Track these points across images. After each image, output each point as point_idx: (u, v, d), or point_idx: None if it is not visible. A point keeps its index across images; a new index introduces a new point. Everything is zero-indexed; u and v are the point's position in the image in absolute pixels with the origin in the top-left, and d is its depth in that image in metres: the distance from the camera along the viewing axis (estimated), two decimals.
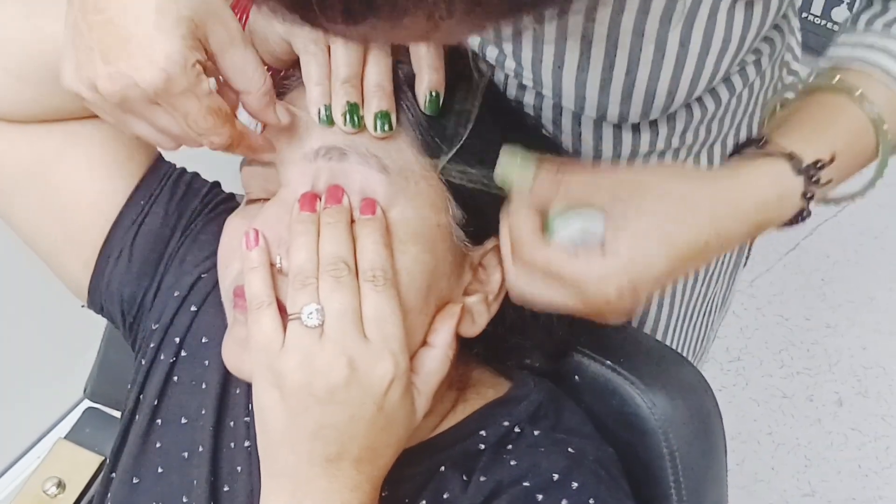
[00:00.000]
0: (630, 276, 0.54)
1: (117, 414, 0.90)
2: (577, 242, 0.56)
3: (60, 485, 0.96)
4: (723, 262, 0.90)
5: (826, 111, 0.61)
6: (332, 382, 0.52)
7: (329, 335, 0.53)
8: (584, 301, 0.56)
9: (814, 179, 0.57)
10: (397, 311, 0.55)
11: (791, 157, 0.57)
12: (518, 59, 0.66)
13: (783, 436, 1.75)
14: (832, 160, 0.58)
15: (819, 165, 0.57)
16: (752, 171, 0.58)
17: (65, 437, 1.00)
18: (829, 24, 2.20)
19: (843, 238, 2.05)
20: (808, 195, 0.57)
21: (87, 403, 1.03)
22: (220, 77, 0.57)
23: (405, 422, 0.57)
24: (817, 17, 2.24)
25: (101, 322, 0.97)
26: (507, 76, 0.71)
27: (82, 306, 0.77)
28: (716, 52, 0.63)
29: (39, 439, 1.38)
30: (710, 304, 0.94)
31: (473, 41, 0.67)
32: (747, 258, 1.09)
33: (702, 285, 0.89)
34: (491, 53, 0.67)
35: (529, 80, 0.68)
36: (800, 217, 0.59)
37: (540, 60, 0.65)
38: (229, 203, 0.76)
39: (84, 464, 0.98)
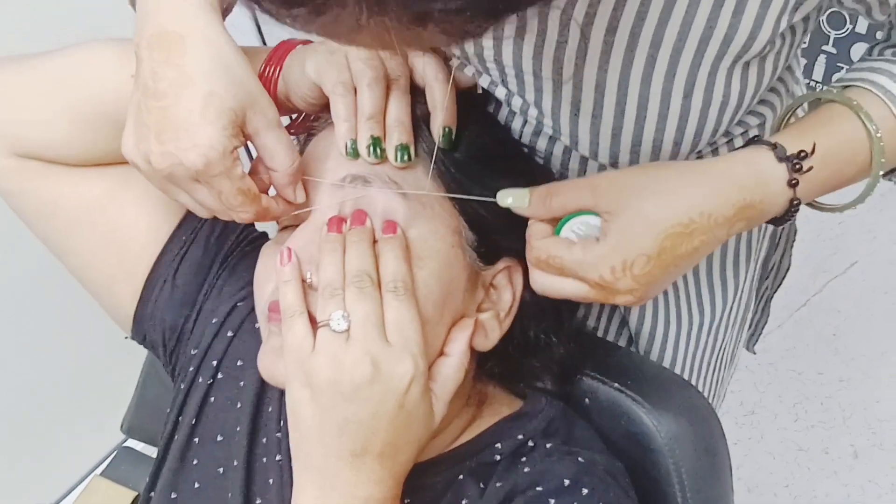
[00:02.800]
0: (620, 256, 0.60)
1: (151, 452, 0.95)
2: (577, 237, 0.64)
3: None
4: (729, 315, 0.94)
5: (820, 116, 0.66)
6: (357, 380, 0.57)
7: (355, 338, 0.58)
8: (588, 286, 0.63)
9: (796, 167, 0.62)
10: (417, 319, 0.61)
11: (774, 147, 0.62)
12: (539, 107, 0.72)
13: (800, 488, 1.76)
14: (813, 151, 0.62)
15: (801, 155, 0.62)
16: (734, 156, 0.64)
17: (101, 474, 1.05)
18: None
19: (854, 294, 2.09)
20: (793, 182, 0.62)
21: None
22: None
23: (424, 421, 0.61)
24: (818, 82, 2.32)
25: (139, 366, 1.03)
26: (525, 122, 0.78)
27: (126, 338, 0.83)
28: (717, 107, 0.68)
29: (83, 478, 1.43)
30: (719, 358, 0.98)
31: (500, 93, 0.74)
32: (768, 315, 1.12)
33: (707, 336, 0.93)
34: (516, 103, 0.73)
35: (549, 128, 0.73)
36: (792, 207, 0.63)
37: (559, 108, 0.70)
38: (263, 240, 0.83)
39: (118, 499, 1.03)
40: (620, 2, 0.62)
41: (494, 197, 0.66)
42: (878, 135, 0.63)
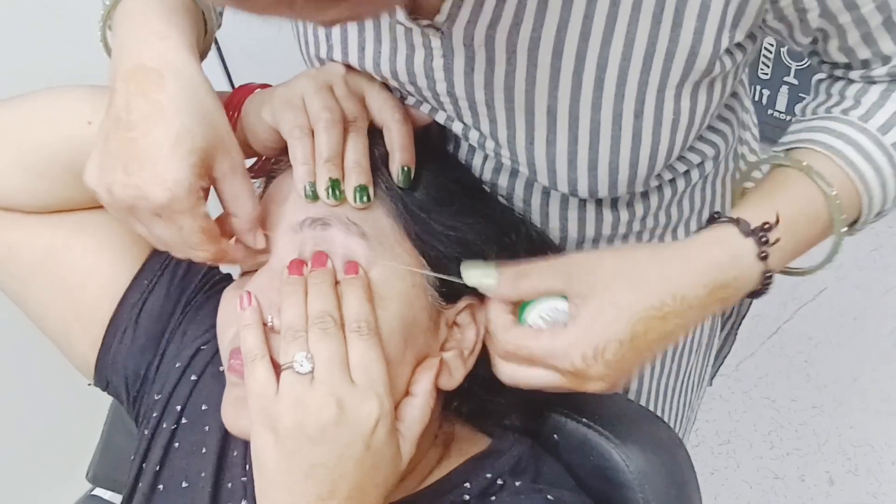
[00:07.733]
0: (592, 343, 0.60)
1: (118, 501, 0.93)
2: (545, 323, 0.63)
3: None
4: (693, 339, 0.94)
5: (775, 182, 0.66)
6: (322, 421, 0.57)
7: (319, 379, 0.58)
8: (559, 374, 0.62)
9: (763, 240, 0.62)
10: (381, 359, 0.61)
11: (738, 222, 0.62)
12: (495, 138, 0.72)
13: None
14: (777, 221, 0.62)
15: (766, 227, 0.62)
16: (701, 236, 0.64)
17: None
18: (793, 119, 2.32)
19: (824, 321, 2.10)
20: (763, 255, 0.62)
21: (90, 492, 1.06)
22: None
23: (391, 463, 0.61)
24: (781, 112, 2.36)
25: (104, 413, 1.02)
26: (485, 158, 0.78)
27: (89, 384, 0.82)
28: (669, 127, 0.68)
29: None
30: (685, 383, 0.98)
31: (457, 128, 0.74)
32: (732, 343, 1.13)
33: (671, 362, 0.93)
34: (473, 136, 0.74)
35: (507, 158, 0.74)
36: (766, 280, 0.63)
37: (514, 137, 0.71)
38: (226, 282, 0.82)
39: None
40: (563, 24, 0.63)
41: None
42: (834, 193, 0.64)
